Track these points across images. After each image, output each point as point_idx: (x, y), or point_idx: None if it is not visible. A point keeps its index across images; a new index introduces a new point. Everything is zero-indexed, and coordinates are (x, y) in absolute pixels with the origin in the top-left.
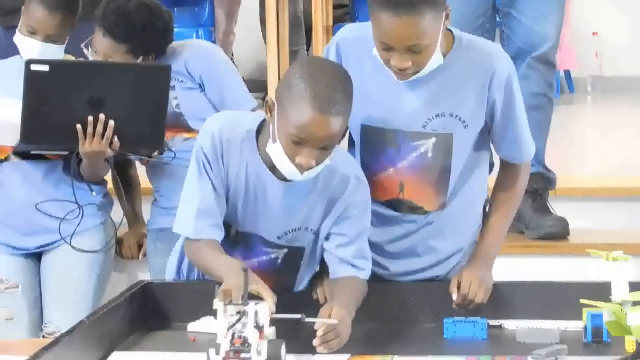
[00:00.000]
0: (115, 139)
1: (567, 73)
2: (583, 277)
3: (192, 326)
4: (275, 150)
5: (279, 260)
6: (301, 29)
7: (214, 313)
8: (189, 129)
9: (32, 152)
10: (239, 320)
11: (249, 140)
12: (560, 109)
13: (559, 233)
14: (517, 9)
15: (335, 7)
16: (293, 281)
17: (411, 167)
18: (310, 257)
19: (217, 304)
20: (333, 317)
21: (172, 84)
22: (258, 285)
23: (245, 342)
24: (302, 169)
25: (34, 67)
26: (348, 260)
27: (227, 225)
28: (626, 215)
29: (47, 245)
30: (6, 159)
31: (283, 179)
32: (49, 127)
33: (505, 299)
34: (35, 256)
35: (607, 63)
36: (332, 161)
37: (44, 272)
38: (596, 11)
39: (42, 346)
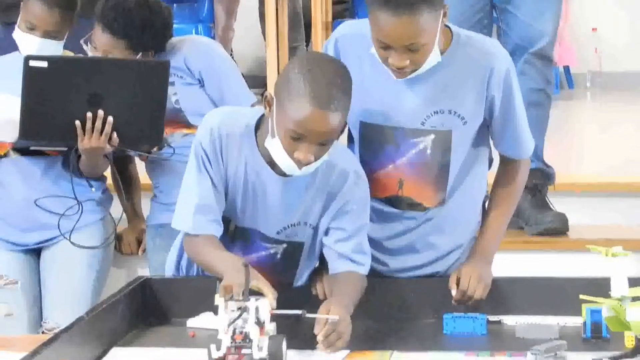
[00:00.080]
0: (114, 135)
1: (567, 69)
2: (582, 273)
3: (192, 322)
4: (274, 146)
5: (278, 256)
6: (300, 25)
7: (213, 309)
8: (188, 125)
9: (31, 148)
10: (239, 316)
11: (247, 135)
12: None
13: (558, 229)
14: (513, 5)
15: (334, 3)
16: (292, 276)
17: (410, 164)
18: (310, 252)
19: (218, 299)
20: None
21: (171, 79)
22: (259, 281)
23: (246, 338)
24: (300, 164)
25: (32, 63)
26: (347, 255)
27: (226, 221)
28: (626, 211)
29: (47, 241)
30: (5, 155)
31: (282, 174)
32: (47, 123)
33: (505, 294)
34: (35, 252)
35: (606, 59)
36: (331, 156)
37: (44, 268)
38: (596, 7)
39: (42, 342)
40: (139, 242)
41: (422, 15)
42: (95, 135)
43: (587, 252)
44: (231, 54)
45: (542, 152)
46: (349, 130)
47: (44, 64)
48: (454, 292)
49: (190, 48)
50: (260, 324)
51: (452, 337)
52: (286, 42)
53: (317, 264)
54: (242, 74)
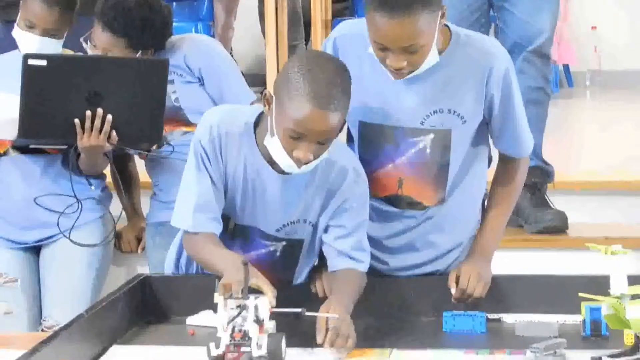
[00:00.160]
0: (114, 133)
1: (566, 68)
2: (582, 271)
3: (191, 320)
4: (273, 144)
5: (278, 253)
6: (300, 23)
7: (212, 307)
8: (188, 123)
9: (31, 146)
10: (239, 314)
11: (247, 133)
12: (559, 104)
13: (558, 227)
14: (510, 3)
15: (334, 1)
16: (292, 274)
17: (410, 163)
18: (309, 249)
19: (218, 297)
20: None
21: (171, 78)
22: (258, 279)
23: (245, 336)
24: (299, 163)
25: (31, 61)
26: (347, 253)
27: (225, 219)
28: (625, 209)
29: (46, 239)
30: (5, 153)
31: (281, 172)
32: (47, 121)
33: (504, 292)
34: (34, 250)
35: (606, 58)
36: (331, 154)
37: (43, 266)
38: (595, 6)
39: (41, 340)
40: (139, 240)
41: (419, 17)
42: (95, 134)
43: (586, 250)
44: (231, 53)
45: (541, 150)
46: (348, 129)
47: (43, 63)
48: (453, 291)
49: (190, 46)
50: (259, 322)
51: (452, 335)
52: (286, 41)
53: (316, 262)
54: (242, 73)
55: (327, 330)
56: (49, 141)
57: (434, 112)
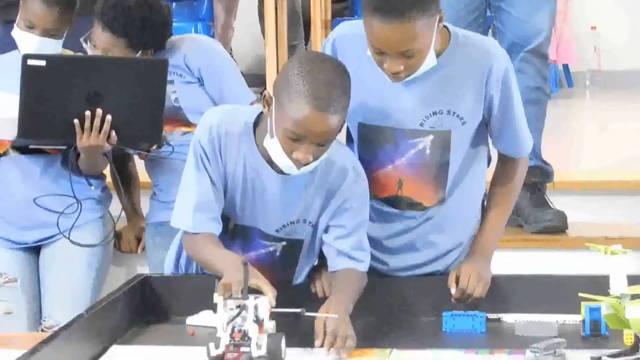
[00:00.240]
0: (113, 133)
1: (566, 67)
2: (582, 271)
3: (191, 320)
4: (273, 145)
5: (278, 253)
6: (300, 23)
7: (212, 307)
8: (187, 123)
9: (31, 146)
10: (238, 314)
11: (246, 133)
12: (559, 104)
13: (557, 227)
14: (508, 3)
15: (334, 1)
16: (292, 274)
17: (409, 164)
18: (309, 249)
19: (217, 298)
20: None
21: (171, 78)
22: (258, 279)
23: (245, 336)
24: (299, 164)
25: (30, 62)
26: (347, 253)
27: (225, 219)
28: (625, 209)
29: (46, 239)
30: (4, 154)
31: (281, 172)
32: (46, 121)
33: (504, 292)
34: (34, 250)
35: (605, 58)
36: (330, 154)
37: (43, 266)
38: (595, 6)
39: (41, 340)
40: (139, 240)
41: (417, 22)
42: (94, 134)
43: (586, 250)
44: (230, 53)
45: (540, 149)
46: (347, 130)
47: (43, 63)
48: (453, 291)
49: (189, 46)
50: (259, 322)
51: (452, 334)
52: (285, 41)
53: (316, 262)
54: (242, 73)
55: (325, 333)
56: (49, 141)
57: (433, 113)
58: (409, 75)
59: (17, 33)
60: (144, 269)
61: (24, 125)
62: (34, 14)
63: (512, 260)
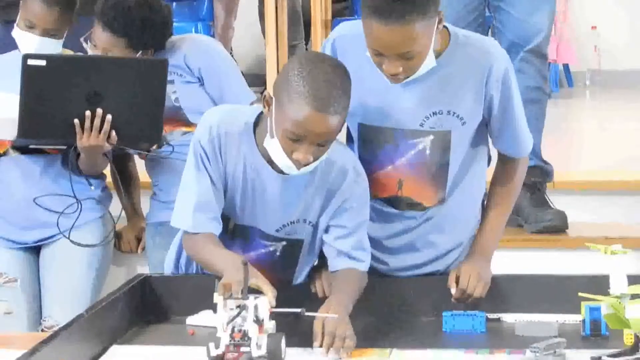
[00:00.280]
0: (113, 133)
1: (566, 67)
2: (582, 271)
3: (191, 320)
4: (273, 146)
5: (278, 253)
6: (300, 23)
7: (212, 307)
8: (187, 123)
9: (31, 146)
10: (238, 314)
11: (246, 133)
12: (559, 103)
13: (557, 226)
14: (507, 2)
15: (334, 1)
16: (292, 274)
17: (409, 164)
18: (309, 249)
19: (217, 297)
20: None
21: (171, 78)
22: (258, 279)
23: (245, 336)
24: (299, 164)
25: (30, 62)
26: (347, 252)
27: (225, 219)
28: (625, 209)
29: (46, 239)
30: (5, 154)
31: (281, 171)
32: (46, 121)
33: (504, 292)
34: (34, 250)
35: (606, 57)
36: (330, 154)
37: (43, 266)
38: (595, 6)
39: (41, 340)
40: (139, 240)
41: (416, 24)
42: (94, 134)
43: (586, 249)
44: (231, 53)
45: (540, 149)
46: (347, 130)
47: (42, 63)
48: (453, 291)
49: (190, 46)
50: (259, 322)
51: (452, 334)
52: (286, 41)
53: (316, 262)
54: (242, 73)
55: (323, 334)
56: (49, 141)
57: (433, 113)
58: (407, 77)
59: (17, 33)
60: (144, 269)
61: (24, 125)
62: (34, 14)
63: (512, 260)
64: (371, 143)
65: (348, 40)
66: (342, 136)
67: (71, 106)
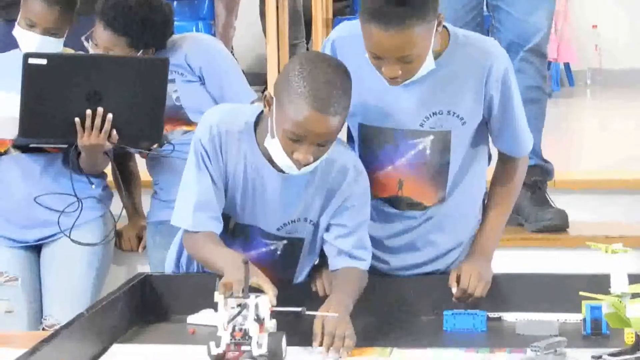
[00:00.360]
0: (114, 132)
1: (567, 66)
2: (582, 270)
3: (192, 319)
4: (273, 146)
5: (278, 252)
6: (301, 22)
7: (213, 306)
8: (188, 122)
9: (31, 145)
10: (239, 313)
11: (247, 132)
12: (560, 102)
13: (558, 226)
14: (506, 2)
15: (335, 0)
16: (292, 273)
17: (409, 164)
18: (310, 248)
19: (218, 296)
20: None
21: (172, 77)
22: (259, 278)
23: (245, 334)
24: (299, 164)
25: (31, 60)
26: (348, 251)
27: (226, 218)
28: (626, 208)
29: (47, 238)
30: (5, 153)
31: (281, 170)
32: (47, 120)
33: (505, 291)
34: (35, 249)
35: (606, 56)
36: (331, 153)
37: (44, 265)
38: (596, 5)
39: (42, 339)
40: (139, 239)
41: (415, 29)
42: (95, 133)
43: (587, 248)
44: (232, 52)
45: (540, 148)
46: (348, 129)
47: (43, 62)
48: (454, 290)
49: (191, 45)
50: (260, 320)
51: (452, 333)
52: (286, 40)
53: (317, 261)
54: (243, 71)
55: (323, 334)
56: (50, 140)
57: (433, 113)
58: (406, 80)
59: (18, 32)
60: (144, 268)
61: (24, 124)
62: (34, 13)
63: (512, 259)
64: (371, 143)
65: (348, 40)
66: (342, 135)
67: (72, 105)
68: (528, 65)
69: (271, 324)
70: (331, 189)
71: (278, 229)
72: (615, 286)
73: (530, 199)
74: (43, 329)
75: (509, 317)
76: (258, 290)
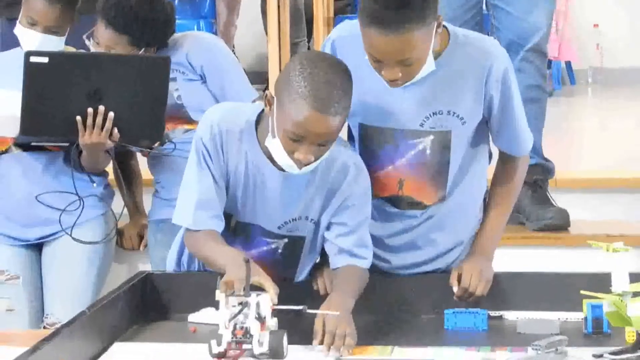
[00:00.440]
0: (115, 130)
1: (568, 65)
2: (583, 269)
3: (193, 317)
4: (274, 145)
5: (279, 250)
6: (302, 20)
7: (214, 304)
8: (189, 121)
9: (33, 143)
10: (240, 311)
11: (248, 131)
12: (561, 101)
13: (559, 224)
14: (505, 1)
15: None
16: (293, 271)
17: (410, 164)
18: (311, 247)
19: (219, 295)
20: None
21: (173, 75)
22: (260, 277)
23: (247, 333)
24: (300, 164)
25: (33, 58)
26: (349, 250)
27: (227, 216)
28: (626, 207)
29: (48, 236)
30: (7, 151)
31: (282, 169)
32: (48, 118)
33: (506, 290)
34: (36, 247)
35: (607, 55)
36: (331, 151)
37: (45, 263)
38: (596, 4)
39: (43, 337)
40: (141, 238)
41: (414, 33)
42: (96, 131)
43: (588, 247)
44: (233, 50)
45: (541, 147)
46: (349, 129)
47: (45, 60)
48: (455, 289)
49: (192, 44)
50: (261, 319)
51: (453, 332)
52: (288, 38)
53: (318, 259)
54: (244, 70)
55: (323, 332)
56: (51, 138)
57: (433, 113)
58: (406, 82)
59: (20, 30)
60: (145, 267)
61: (26, 122)
62: (35, 11)
63: (513, 258)
64: (371, 143)
65: (348, 40)
66: (343, 134)
67: (73, 103)
68: (528, 64)
69: (272, 323)
70: (332, 188)
71: (279, 228)
72: (616, 285)
73: (532, 197)
74: (44, 328)
75: (510, 315)
76: (259, 288)
